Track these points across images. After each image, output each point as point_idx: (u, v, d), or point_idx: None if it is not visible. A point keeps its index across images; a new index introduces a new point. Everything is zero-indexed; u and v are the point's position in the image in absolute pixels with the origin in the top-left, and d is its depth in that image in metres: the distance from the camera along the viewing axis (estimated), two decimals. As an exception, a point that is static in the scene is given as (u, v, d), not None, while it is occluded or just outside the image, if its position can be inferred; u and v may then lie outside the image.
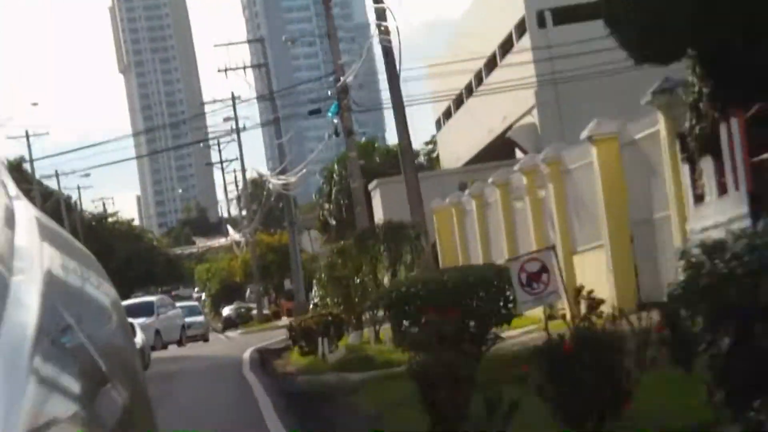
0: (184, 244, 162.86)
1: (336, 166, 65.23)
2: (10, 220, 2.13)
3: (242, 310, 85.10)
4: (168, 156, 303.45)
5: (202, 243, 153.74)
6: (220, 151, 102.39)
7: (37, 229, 2.24)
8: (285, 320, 71.93)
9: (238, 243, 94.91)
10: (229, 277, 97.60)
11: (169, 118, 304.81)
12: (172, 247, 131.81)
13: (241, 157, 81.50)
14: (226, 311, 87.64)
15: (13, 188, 2.44)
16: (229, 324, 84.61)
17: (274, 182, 62.57)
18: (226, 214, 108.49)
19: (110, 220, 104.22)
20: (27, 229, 2.18)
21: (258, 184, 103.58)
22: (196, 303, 72.36)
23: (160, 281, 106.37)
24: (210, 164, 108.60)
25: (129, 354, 2.50)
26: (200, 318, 64.33)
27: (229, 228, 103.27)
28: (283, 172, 62.07)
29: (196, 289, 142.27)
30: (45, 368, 1.66)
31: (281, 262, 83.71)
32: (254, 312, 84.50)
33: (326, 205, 66.32)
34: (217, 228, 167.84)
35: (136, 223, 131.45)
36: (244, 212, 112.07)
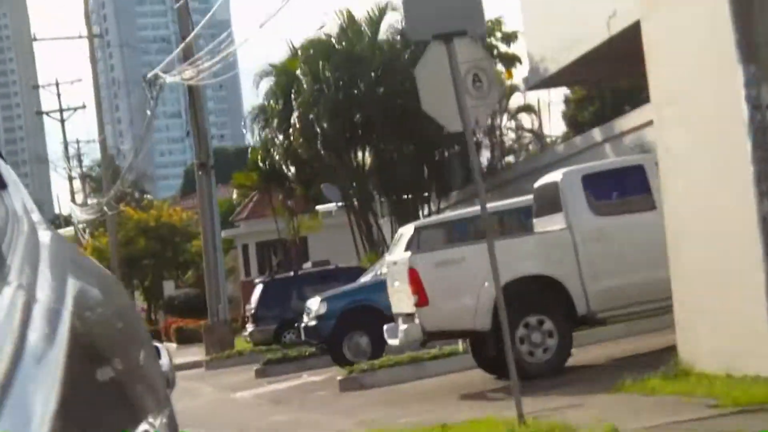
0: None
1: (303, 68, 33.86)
2: (34, 248, 2.14)
3: (90, 327, 52.70)
4: None
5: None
6: (59, 94, 70.52)
7: (61, 256, 2.24)
8: (175, 351, 40.05)
9: (85, 227, 62.64)
10: (70, 275, 65.11)
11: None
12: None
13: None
14: (64, 328, 55.09)
15: (36, 215, 2.47)
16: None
17: (175, 79, 31.53)
18: (65, 180, 75.97)
19: None
20: (51, 255, 2.17)
21: (107, 157, 71.29)
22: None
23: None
24: (42, 113, 76.37)
25: (157, 381, 2.46)
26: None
27: (72, 207, 70.72)
28: (186, 57, 31.34)
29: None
30: (71, 400, 1.58)
31: (160, 252, 51.90)
32: (110, 331, 52.42)
33: (277, 137, 35.05)
34: (53, 225, 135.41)
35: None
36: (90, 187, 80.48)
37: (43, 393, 1.52)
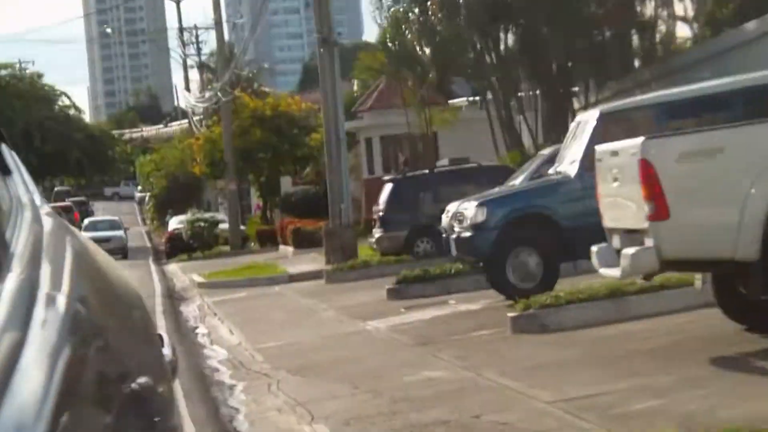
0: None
1: None
2: (37, 236, 2.14)
3: (201, 224, 48.47)
4: (120, 45, 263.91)
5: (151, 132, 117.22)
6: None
7: (65, 243, 2.24)
8: (291, 256, 35.97)
9: (201, 118, 58.81)
10: (182, 167, 61.24)
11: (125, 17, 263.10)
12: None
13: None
14: (174, 224, 51.25)
15: (38, 199, 2.51)
16: (177, 247, 48.58)
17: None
18: (181, 66, 71.70)
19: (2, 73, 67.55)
20: (55, 243, 2.18)
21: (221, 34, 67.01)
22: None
23: (79, 170, 69.75)
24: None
25: (161, 373, 2.41)
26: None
27: (185, 95, 66.80)
28: None
29: (138, 188, 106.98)
30: (71, 394, 1.60)
31: (277, 145, 47.59)
32: (224, 226, 48.41)
33: (412, 11, 30.11)
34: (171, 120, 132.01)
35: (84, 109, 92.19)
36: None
37: (44, 382, 1.52)
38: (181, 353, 15.26)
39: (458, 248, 16.35)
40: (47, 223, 2.32)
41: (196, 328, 19.27)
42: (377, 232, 26.68)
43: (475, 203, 16.04)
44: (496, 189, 18.42)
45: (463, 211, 16.19)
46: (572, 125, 16.58)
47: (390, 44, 32.58)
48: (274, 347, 14.55)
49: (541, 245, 15.49)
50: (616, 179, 10.06)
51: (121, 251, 48.62)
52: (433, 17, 28.76)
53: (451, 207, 24.62)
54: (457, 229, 16.29)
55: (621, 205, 10.02)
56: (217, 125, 49.17)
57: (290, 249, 37.34)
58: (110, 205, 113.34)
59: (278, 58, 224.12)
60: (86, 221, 58.29)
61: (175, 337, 17.85)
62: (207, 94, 53.16)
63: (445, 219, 24.66)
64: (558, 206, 15.39)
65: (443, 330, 13.75)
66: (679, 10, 38.51)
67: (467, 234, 15.82)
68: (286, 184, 47.15)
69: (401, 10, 31.56)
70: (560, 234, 15.35)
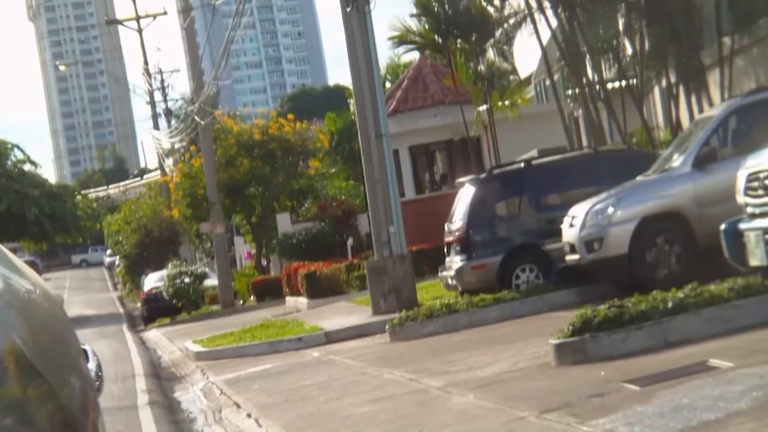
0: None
1: None
2: None
3: (184, 279, 39.61)
4: (79, 90, 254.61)
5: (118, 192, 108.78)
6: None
7: None
8: (306, 309, 27.62)
9: (168, 153, 50.50)
10: (156, 218, 52.48)
11: (84, 68, 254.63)
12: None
13: None
14: (151, 282, 42.60)
15: None
16: (156, 309, 40.32)
17: None
18: (145, 104, 63.27)
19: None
20: None
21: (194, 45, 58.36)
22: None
23: (39, 230, 61.23)
24: (114, 22, 64.24)
25: (84, 384, 2.38)
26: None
27: (154, 134, 58.25)
28: None
29: (108, 252, 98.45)
30: None
31: (270, 176, 39.04)
32: (209, 282, 39.78)
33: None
34: (139, 174, 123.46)
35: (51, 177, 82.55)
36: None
37: None
38: None
39: None
40: None
41: (212, 438, 10.79)
42: (456, 261, 18.06)
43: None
44: None
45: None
46: None
47: (434, 5, 24.13)
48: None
49: None
50: None
51: None
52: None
53: (575, 211, 16.33)
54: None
55: None
56: (197, 158, 40.64)
57: (303, 300, 28.84)
58: (78, 274, 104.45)
59: (244, 114, 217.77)
60: None
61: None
62: (179, 126, 44.77)
63: (568, 230, 16.32)
64: None
65: None
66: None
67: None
68: (285, 222, 38.62)
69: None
70: None
